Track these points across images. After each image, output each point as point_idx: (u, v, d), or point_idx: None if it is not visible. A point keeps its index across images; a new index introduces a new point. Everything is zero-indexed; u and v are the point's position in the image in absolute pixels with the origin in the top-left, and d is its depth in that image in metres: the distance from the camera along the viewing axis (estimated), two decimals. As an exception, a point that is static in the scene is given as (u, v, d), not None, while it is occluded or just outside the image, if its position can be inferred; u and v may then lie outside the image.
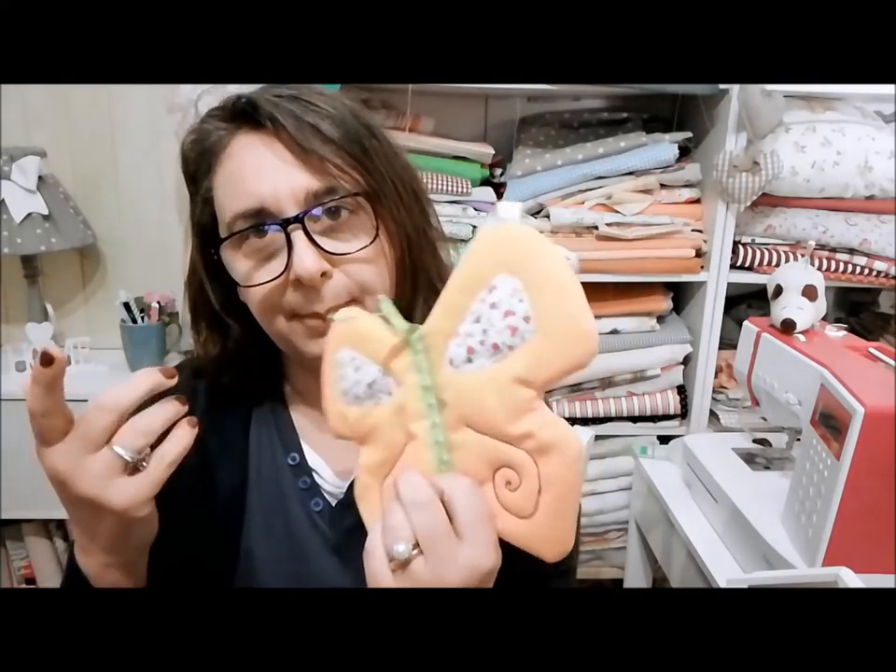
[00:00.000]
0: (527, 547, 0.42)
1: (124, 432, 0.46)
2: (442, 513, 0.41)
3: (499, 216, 0.43)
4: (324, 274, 0.54)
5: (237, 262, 0.57)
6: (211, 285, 0.62)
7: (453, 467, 0.43)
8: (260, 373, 0.66)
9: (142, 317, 1.48)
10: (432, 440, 0.43)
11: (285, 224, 0.53)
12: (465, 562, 0.41)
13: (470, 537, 0.41)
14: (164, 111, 1.34)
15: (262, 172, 0.55)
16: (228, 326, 0.63)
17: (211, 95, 1.27)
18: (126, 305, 1.47)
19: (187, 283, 0.65)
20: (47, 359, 0.45)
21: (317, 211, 0.54)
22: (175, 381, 0.49)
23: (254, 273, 0.56)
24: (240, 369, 0.64)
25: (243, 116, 0.56)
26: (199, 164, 0.59)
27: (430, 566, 0.41)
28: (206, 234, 0.59)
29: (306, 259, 0.53)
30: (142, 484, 0.46)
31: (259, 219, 0.54)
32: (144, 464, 0.47)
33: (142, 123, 1.53)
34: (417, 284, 0.61)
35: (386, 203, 0.57)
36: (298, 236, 0.53)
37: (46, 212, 1.40)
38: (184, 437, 0.48)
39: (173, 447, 0.47)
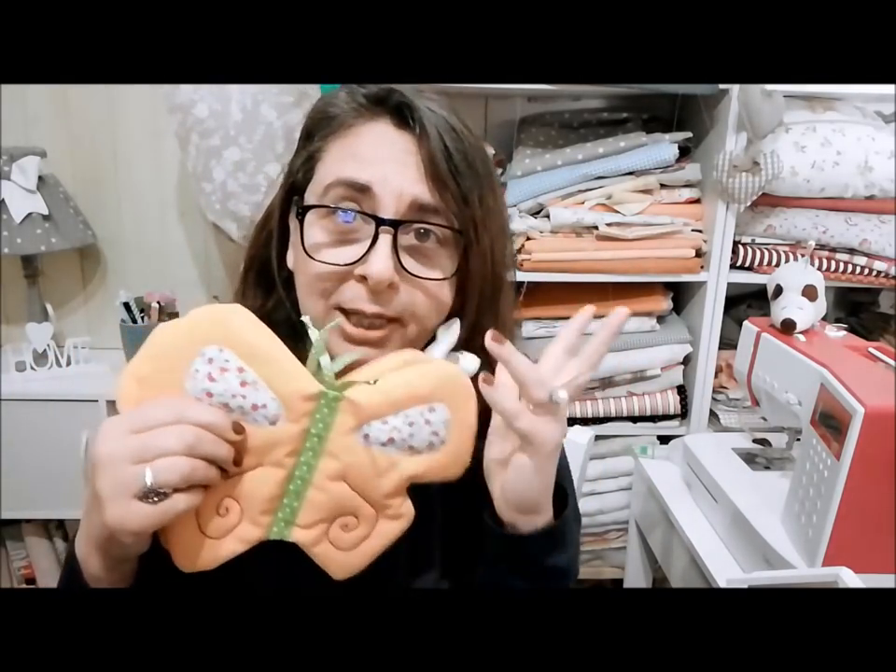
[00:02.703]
0: (328, 569, 0.51)
1: (166, 463, 0.43)
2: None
3: (462, 366, 0.55)
4: (391, 286, 0.54)
5: (315, 231, 0.56)
6: (278, 238, 0.61)
7: (306, 500, 0.50)
8: None
9: (142, 317, 1.48)
10: (295, 474, 0.49)
11: (379, 222, 0.53)
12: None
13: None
14: (164, 111, 1.34)
15: (385, 157, 0.55)
16: (273, 287, 0.62)
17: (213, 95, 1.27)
18: (126, 305, 1.47)
19: (255, 230, 0.64)
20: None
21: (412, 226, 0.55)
22: (238, 437, 0.47)
23: (326, 250, 0.55)
24: None
25: (390, 107, 0.56)
26: (323, 123, 0.58)
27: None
28: (295, 190, 0.59)
29: (382, 264, 0.53)
30: (139, 516, 0.44)
31: (358, 195, 0.54)
32: (156, 499, 0.44)
33: (142, 123, 1.52)
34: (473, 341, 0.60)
35: (475, 254, 0.57)
36: (384, 239, 0.53)
37: (46, 212, 1.40)
38: (198, 499, 0.46)
39: (187, 501, 0.45)
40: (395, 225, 0.53)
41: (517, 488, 0.52)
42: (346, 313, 0.55)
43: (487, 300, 0.60)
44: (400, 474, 0.50)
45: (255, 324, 0.49)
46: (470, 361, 0.56)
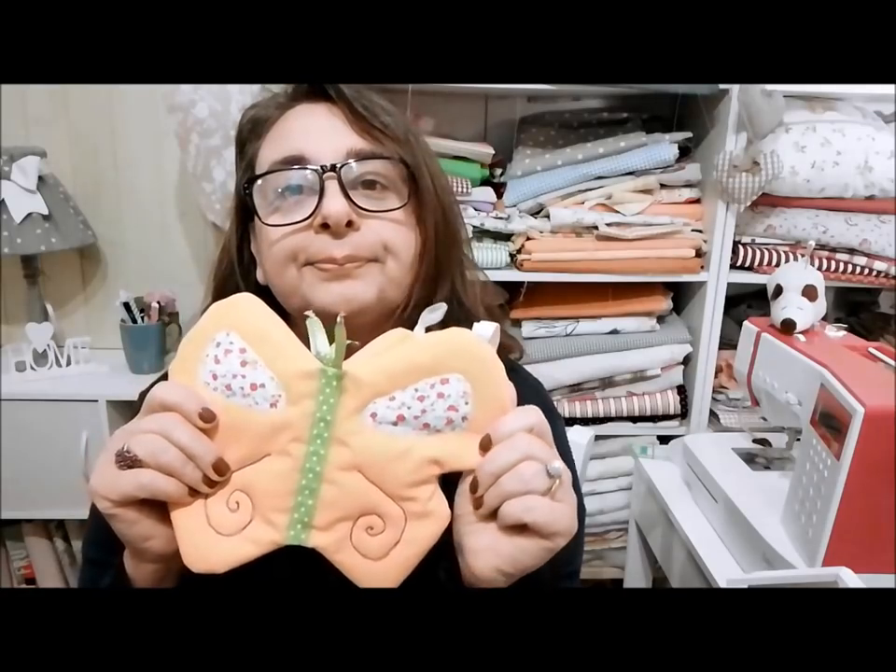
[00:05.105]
0: (356, 579, 0.46)
1: (140, 436, 0.45)
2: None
3: (476, 331, 0.48)
4: (350, 224, 0.56)
5: (270, 210, 0.59)
6: (238, 263, 0.64)
7: (319, 497, 0.46)
8: None
9: (142, 317, 1.48)
10: (305, 466, 0.46)
11: (321, 171, 0.56)
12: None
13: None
14: (164, 111, 1.34)
15: (311, 128, 0.59)
16: None
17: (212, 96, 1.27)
18: (126, 305, 1.47)
19: (216, 262, 0.67)
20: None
21: (355, 167, 0.57)
22: (208, 424, 0.46)
23: (280, 218, 0.58)
24: None
25: (304, 92, 0.61)
26: (251, 131, 0.63)
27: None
28: (245, 207, 0.62)
29: (335, 203, 0.55)
30: (107, 478, 0.45)
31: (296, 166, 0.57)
32: (123, 464, 0.45)
33: (142, 123, 1.52)
34: (439, 280, 0.62)
35: (422, 182, 0.60)
36: (331, 184, 0.56)
37: (46, 212, 1.40)
38: (159, 486, 0.44)
39: (155, 480, 0.44)
40: (336, 169, 0.56)
41: (520, 563, 0.45)
42: (318, 262, 0.57)
43: (444, 244, 0.62)
44: (420, 457, 0.45)
45: (261, 308, 0.49)
46: (485, 326, 0.49)
